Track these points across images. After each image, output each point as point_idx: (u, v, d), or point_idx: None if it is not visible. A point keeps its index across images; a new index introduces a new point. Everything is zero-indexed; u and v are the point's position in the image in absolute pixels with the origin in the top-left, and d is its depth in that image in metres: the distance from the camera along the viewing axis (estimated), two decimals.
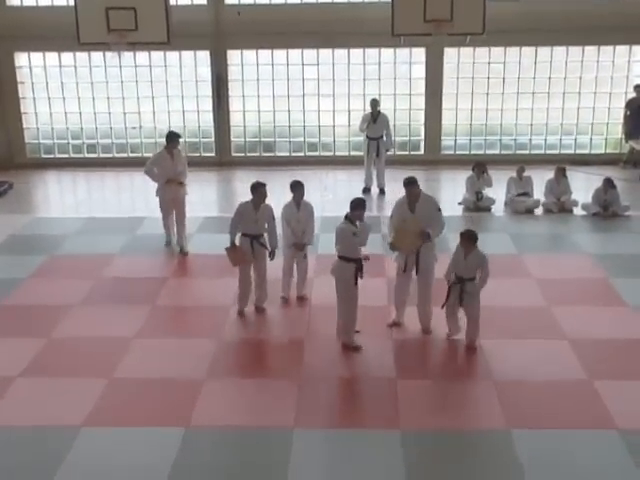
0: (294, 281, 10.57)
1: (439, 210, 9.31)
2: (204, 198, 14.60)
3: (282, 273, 10.47)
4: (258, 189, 9.85)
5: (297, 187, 10.17)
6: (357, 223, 8.84)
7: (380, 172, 16.05)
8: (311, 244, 10.45)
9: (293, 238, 10.19)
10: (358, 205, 8.84)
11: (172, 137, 12.39)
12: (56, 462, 6.87)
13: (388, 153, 16.26)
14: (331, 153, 19.06)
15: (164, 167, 12.28)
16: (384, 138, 15.93)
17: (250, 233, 9.92)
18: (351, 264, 8.83)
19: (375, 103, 15.92)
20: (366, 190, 16.05)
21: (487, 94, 18.57)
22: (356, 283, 8.89)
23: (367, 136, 16.01)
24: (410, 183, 9.30)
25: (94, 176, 18.34)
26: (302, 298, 10.48)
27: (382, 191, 16.02)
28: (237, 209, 9.97)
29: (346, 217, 8.86)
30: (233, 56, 18.61)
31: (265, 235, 10.05)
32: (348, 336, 9.09)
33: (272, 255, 10.05)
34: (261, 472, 6.78)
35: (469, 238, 8.82)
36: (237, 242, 9.97)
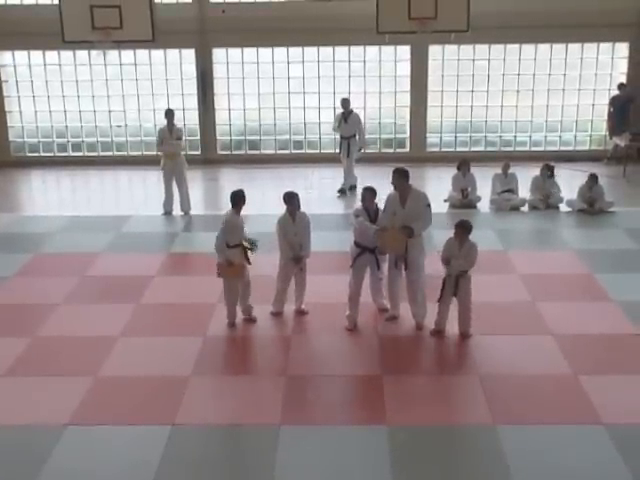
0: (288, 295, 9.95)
1: (428, 206, 9.21)
2: (189, 196, 14.56)
3: (276, 289, 9.81)
4: (240, 197, 9.43)
5: (291, 198, 9.53)
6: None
7: (349, 170, 15.82)
8: (309, 257, 9.73)
9: (291, 252, 9.56)
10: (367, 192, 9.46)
11: (167, 113, 14.30)
12: (41, 461, 6.83)
13: (361, 152, 16.13)
14: (317, 151, 19.06)
15: (163, 140, 14.32)
16: (356, 137, 15.84)
17: (239, 243, 9.43)
18: (358, 248, 9.44)
19: (346, 102, 15.68)
20: (343, 190, 15.92)
21: (472, 91, 18.65)
22: (352, 265, 9.48)
23: (340, 135, 15.96)
24: (396, 171, 9.18)
25: (79, 174, 18.28)
26: (302, 313, 9.90)
27: (352, 187, 15.86)
28: (227, 222, 9.34)
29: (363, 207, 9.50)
30: (218, 54, 18.61)
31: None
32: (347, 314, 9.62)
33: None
34: (248, 469, 6.77)
35: (464, 228, 8.95)
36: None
